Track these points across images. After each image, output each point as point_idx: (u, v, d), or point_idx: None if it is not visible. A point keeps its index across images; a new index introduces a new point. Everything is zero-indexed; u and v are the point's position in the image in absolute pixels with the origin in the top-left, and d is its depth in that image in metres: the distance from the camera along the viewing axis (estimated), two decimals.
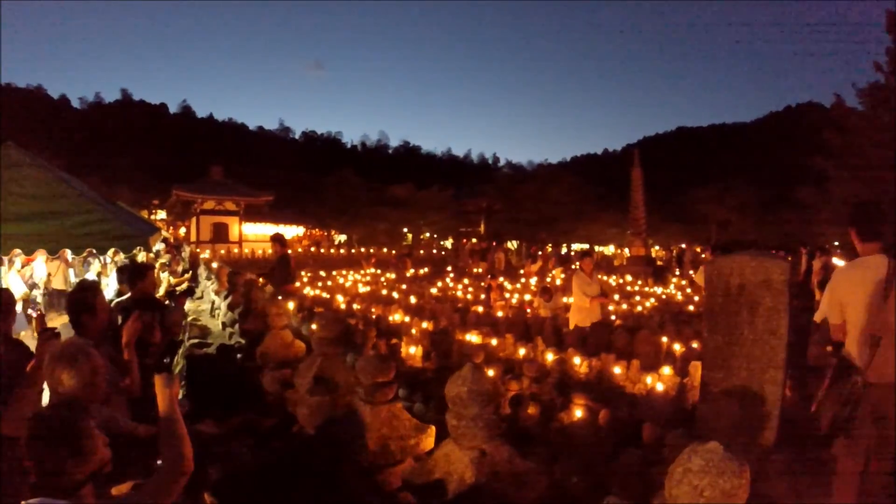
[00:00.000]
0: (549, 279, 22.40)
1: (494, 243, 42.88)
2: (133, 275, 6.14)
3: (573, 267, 30.50)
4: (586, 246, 49.73)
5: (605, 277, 23.79)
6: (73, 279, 14.40)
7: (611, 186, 54.96)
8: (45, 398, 3.80)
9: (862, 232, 4.19)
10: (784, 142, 75.43)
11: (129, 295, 6.09)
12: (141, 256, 9.79)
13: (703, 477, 1.79)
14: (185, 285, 13.20)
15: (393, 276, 23.29)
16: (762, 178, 52.75)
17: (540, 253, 32.93)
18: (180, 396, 6.77)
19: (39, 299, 13.77)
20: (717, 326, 4.80)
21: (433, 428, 3.92)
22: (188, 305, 13.25)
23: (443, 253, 47.69)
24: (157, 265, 14.68)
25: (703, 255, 30.83)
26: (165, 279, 12.32)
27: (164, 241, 19.42)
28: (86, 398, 3.02)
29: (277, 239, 11.84)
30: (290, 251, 12.87)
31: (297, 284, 18.22)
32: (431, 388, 7.54)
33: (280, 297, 10.14)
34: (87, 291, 4.53)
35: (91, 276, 13.62)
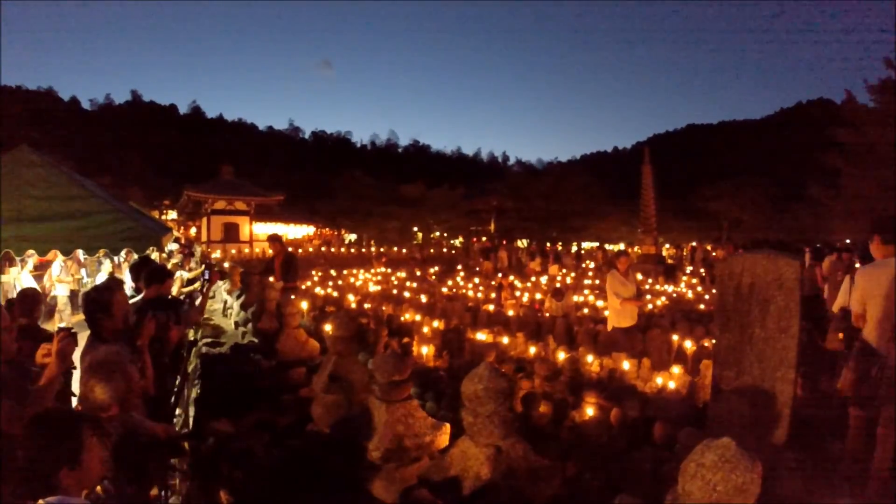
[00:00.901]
0: (558, 278, 22.40)
1: (505, 241, 42.88)
2: (152, 277, 6.17)
3: (583, 266, 30.62)
4: (596, 244, 49.72)
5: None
6: (87, 279, 14.52)
7: (621, 184, 54.89)
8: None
9: (885, 238, 4.93)
10: (795, 139, 75.07)
11: (142, 295, 6.14)
12: (154, 257, 9.87)
13: (715, 472, 1.83)
14: (211, 294, 13.29)
15: (404, 274, 23.35)
16: (773, 175, 52.48)
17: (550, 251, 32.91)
18: (193, 396, 6.86)
19: (63, 301, 13.94)
20: (728, 325, 4.81)
21: (448, 426, 3.96)
22: None
23: (453, 252, 47.71)
24: (170, 265, 14.78)
25: (714, 254, 30.79)
26: (179, 278, 12.42)
27: (177, 240, 19.55)
28: (114, 409, 3.05)
29: (276, 239, 11.98)
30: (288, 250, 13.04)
31: (309, 283, 18.32)
32: (443, 387, 7.58)
33: (293, 296, 10.19)
34: (104, 291, 4.59)
35: (103, 275, 13.73)
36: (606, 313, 10.72)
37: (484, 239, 50.28)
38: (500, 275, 22.33)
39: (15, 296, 13.05)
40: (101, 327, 4.40)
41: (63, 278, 14.13)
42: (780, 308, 4.48)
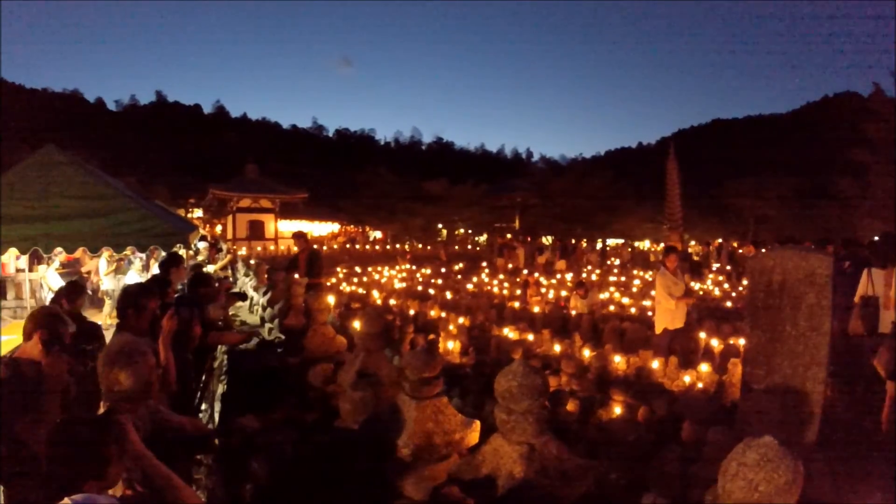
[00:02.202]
0: (584, 274, 22.29)
1: (530, 238, 42.72)
2: (200, 281, 6.33)
3: (608, 263, 30.42)
4: (622, 241, 49.38)
5: (641, 273, 23.69)
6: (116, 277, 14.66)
7: (646, 180, 54.27)
8: None
9: None
10: (821, 133, 73.72)
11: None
12: (181, 254, 9.95)
13: (757, 471, 1.79)
14: (236, 289, 13.47)
15: (429, 271, 23.35)
16: (800, 170, 51.60)
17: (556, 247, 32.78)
18: (221, 391, 6.90)
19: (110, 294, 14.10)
20: (759, 322, 4.76)
21: (478, 423, 3.94)
22: None
23: (477, 248, 47.62)
24: (197, 260, 14.93)
25: (741, 251, 30.45)
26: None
27: (204, 238, 19.68)
28: (140, 397, 3.05)
29: (301, 236, 12.10)
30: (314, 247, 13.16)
31: (334, 280, 18.38)
32: (468, 384, 7.56)
33: (321, 293, 10.23)
34: (143, 292, 4.65)
35: (133, 273, 13.88)
36: (632, 310, 10.63)
37: (508, 236, 50.11)
38: (525, 272, 22.26)
39: (43, 292, 13.30)
40: (128, 323, 4.45)
41: (110, 271, 14.33)
42: (812, 305, 4.43)
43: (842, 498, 4.09)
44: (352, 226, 59.20)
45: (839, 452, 4.64)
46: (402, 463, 3.91)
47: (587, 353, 8.73)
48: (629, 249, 36.18)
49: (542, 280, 19.46)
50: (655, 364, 8.13)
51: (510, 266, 26.18)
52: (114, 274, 14.35)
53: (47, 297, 13.04)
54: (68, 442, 2.22)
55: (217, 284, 8.53)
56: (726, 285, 20.11)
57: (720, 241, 39.73)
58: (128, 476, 2.48)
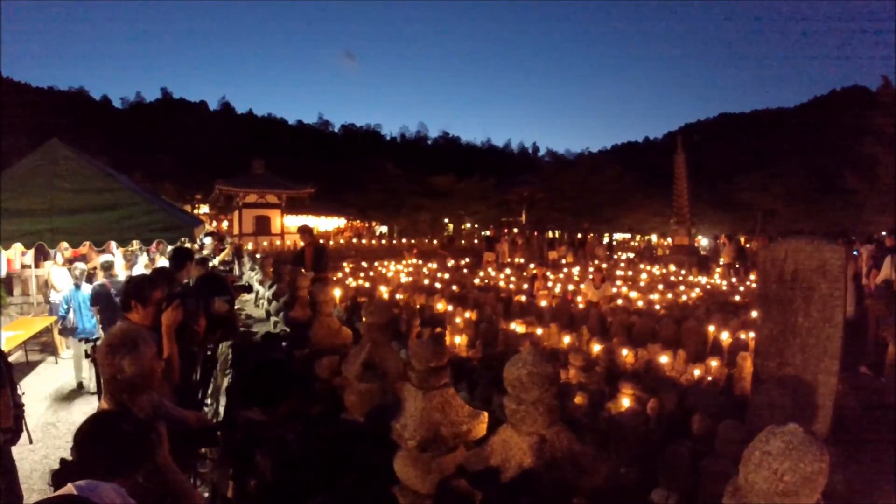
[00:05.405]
0: (591, 269, 22.25)
1: (537, 233, 42.70)
2: (220, 288, 6.26)
3: (616, 256, 30.29)
4: (628, 235, 49.35)
5: (647, 267, 23.61)
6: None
7: (653, 174, 54.17)
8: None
9: None
10: (829, 127, 73.41)
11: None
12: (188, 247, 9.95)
13: (783, 461, 1.71)
14: (242, 282, 13.48)
15: (435, 265, 23.34)
16: (808, 164, 51.36)
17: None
18: (226, 385, 6.87)
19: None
20: (770, 314, 4.69)
21: (486, 414, 3.87)
22: None
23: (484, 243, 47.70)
24: (203, 254, 14.92)
25: (748, 246, 30.29)
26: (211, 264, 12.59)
27: (211, 234, 19.71)
28: (144, 384, 3.01)
29: (306, 230, 12.07)
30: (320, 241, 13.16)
31: (340, 275, 18.36)
32: (476, 377, 7.52)
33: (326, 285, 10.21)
34: (148, 284, 4.60)
35: (139, 268, 13.86)
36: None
37: (514, 231, 50.05)
38: (531, 266, 22.23)
39: (50, 290, 13.33)
40: (132, 314, 4.41)
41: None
42: (824, 296, 4.36)
43: (854, 491, 4.03)
44: (358, 221, 59.20)
45: (851, 446, 4.57)
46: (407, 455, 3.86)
47: (595, 346, 8.68)
48: (644, 245, 36.05)
49: (550, 274, 19.41)
50: (664, 358, 8.08)
51: (491, 258, 26.42)
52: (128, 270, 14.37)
53: (52, 293, 13.04)
54: (109, 439, 2.18)
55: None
56: (734, 279, 20.05)
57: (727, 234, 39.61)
58: None
